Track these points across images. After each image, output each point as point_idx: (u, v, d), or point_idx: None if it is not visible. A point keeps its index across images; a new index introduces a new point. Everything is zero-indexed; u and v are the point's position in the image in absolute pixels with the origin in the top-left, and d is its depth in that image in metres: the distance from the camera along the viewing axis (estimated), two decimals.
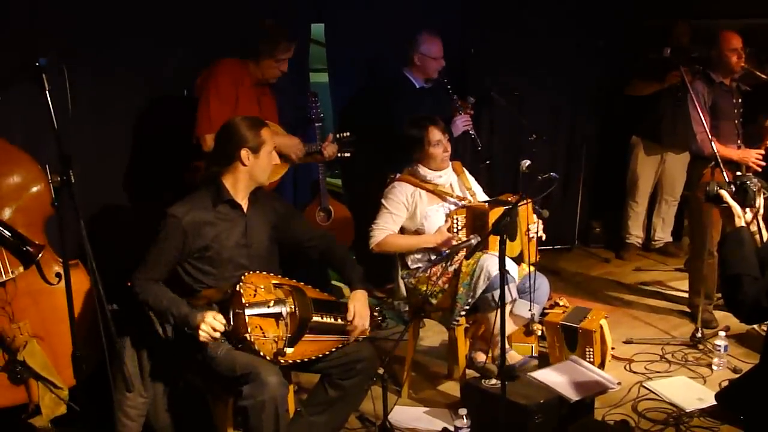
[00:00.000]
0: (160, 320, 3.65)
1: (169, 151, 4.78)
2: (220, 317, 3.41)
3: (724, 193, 3.35)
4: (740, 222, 3.31)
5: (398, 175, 4.68)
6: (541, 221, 4.60)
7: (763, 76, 5.70)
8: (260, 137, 3.68)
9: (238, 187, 3.70)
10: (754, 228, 3.40)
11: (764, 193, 3.37)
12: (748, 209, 3.35)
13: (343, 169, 6.45)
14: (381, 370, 3.86)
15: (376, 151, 5.39)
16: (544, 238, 4.67)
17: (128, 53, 4.69)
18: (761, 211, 3.39)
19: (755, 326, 5.29)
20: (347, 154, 5.19)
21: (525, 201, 4.22)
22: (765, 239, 3.41)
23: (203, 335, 3.37)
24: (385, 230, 4.53)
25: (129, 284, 3.56)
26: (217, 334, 3.39)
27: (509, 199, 4.47)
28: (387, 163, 5.03)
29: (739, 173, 3.49)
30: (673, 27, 6.83)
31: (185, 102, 4.80)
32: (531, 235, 4.56)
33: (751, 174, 3.44)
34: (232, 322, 3.43)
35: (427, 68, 5.62)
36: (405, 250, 4.58)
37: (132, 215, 4.75)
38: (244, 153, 3.63)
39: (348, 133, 5.14)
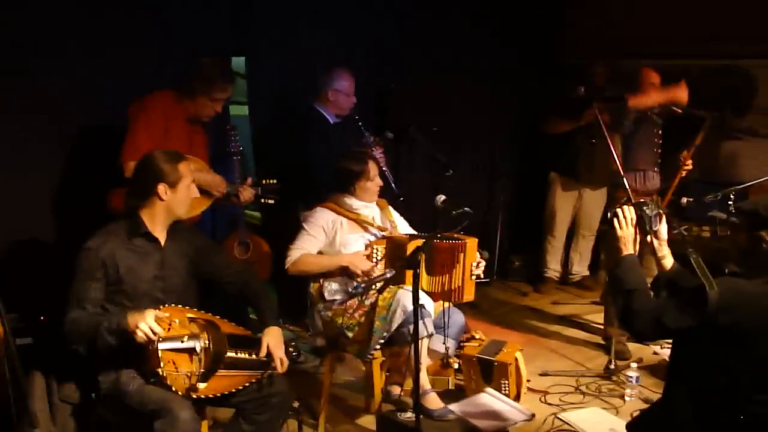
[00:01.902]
0: (96, 348, 3.48)
1: (90, 180, 4.75)
2: (156, 327, 3.36)
3: (614, 221, 3.46)
4: (626, 251, 3.41)
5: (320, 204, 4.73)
6: (483, 261, 4.67)
7: (679, 111, 5.87)
8: (178, 171, 3.66)
9: (156, 220, 3.68)
10: (662, 253, 3.51)
11: (662, 217, 3.47)
12: (651, 235, 3.46)
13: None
14: (296, 404, 3.85)
15: (294, 183, 5.40)
16: (482, 277, 4.73)
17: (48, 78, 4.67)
18: (664, 235, 3.50)
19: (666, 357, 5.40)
20: (271, 201, 5.18)
21: (453, 236, 4.28)
22: (671, 263, 3.52)
23: (140, 335, 3.32)
24: (301, 250, 4.55)
25: (43, 319, 3.50)
26: (155, 336, 3.33)
27: (455, 235, 4.52)
28: (302, 196, 5.06)
29: (641, 201, 3.58)
30: (590, 67, 7.02)
31: (106, 131, 4.78)
32: (474, 274, 4.62)
33: (649, 200, 3.55)
34: (148, 360, 3.39)
35: (340, 104, 5.65)
36: (320, 269, 4.58)
37: (49, 246, 4.67)
38: (162, 188, 3.62)
39: (275, 181, 5.14)
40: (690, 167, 5.79)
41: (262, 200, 5.15)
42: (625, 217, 3.45)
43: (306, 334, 5.80)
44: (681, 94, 5.68)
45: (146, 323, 3.32)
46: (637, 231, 3.45)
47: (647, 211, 3.44)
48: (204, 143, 4.91)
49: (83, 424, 4.00)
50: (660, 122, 5.91)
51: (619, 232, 3.44)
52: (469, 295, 4.62)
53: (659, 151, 5.88)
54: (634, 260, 3.40)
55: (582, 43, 7.56)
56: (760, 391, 3.13)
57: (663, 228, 3.48)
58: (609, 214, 3.51)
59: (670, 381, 3.41)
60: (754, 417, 3.14)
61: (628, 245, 3.43)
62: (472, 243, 4.54)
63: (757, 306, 3.10)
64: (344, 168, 4.71)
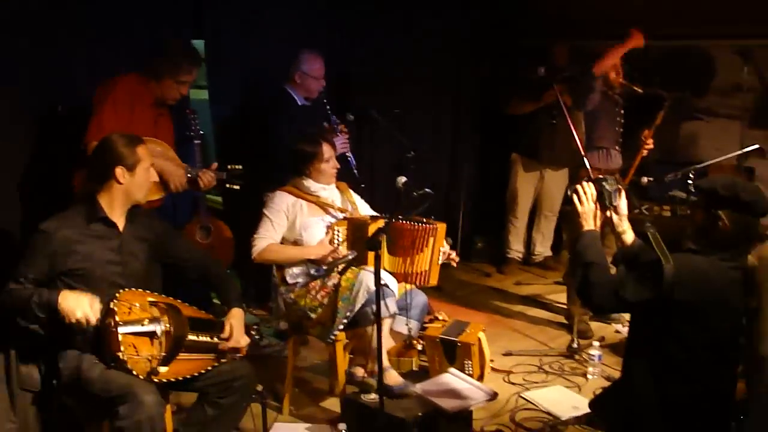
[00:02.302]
0: (25, 321, 3.45)
1: (55, 162, 4.70)
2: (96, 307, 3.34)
3: (574, 196, 3.49)
4: (586, 226, 3.44)
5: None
6: (453, 251, 4.70)
7: (639, 90, 5.91)
8: (136, 154, 3.62)
9: (114, 205, 3.64)
10: (622, 228, 3.54)
11: (621, 192, 3.51)
12: (611, 210, 3.49)
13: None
14: (260, 388, 3.84)
15: (256, 167, 5.37)
16: (456, 264, 4.78)
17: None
18: (624, 210, 3.53)
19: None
20: (236, 187, 5.15)
21: (424, 220, 4.29)
22: (631, 239, 3.55)
23: (81, 318, 3.30)
24: (266, 239, 4.53)
25: None
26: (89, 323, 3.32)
27: (424, 219, 4.53)
28: (265, 181, 5.03)
29: (600, 176, 3.61)
30: (551, 47, 7.04)
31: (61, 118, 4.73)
32: (441, 259, 4.64)
33: (609, 176, 3.58)
34: (108, 344, 3.36)
35: (308, 87, 5.66)
36: (286, 260, 4.56)
37: (14, 228, 4.62)
38: (119, 171, 3.58)
39: (240, 166, 5.10)
40: (651, 146, 5.83)
41: (227, 185, 5.11)
42: (585, 193, 3.47)
43: (269, 317, 5.79)
44: (637, 41, 5.71)
45: (83, 311, 3.30)
46: (598, 206, 3.47)
47: (607, 187, 3.48)
48: (169, 127, 4.87)
49: (45, 411, 3.95)
50: (621, 101, 5.94)
51: (579, 207, 3.47)
52: (434, 280, 4.65)
53: (621, 129, 5.92)
54: (595, 235, 3.43)
55: (543, 23, 7.58)
56: (716, 366, 3.18)
57: (623, 203, 3.52)
58: (569, 191, 3.54)
59: (628, 356, 3.45)
60: (713, 391, 3.19)
61: (589, 220, 3.46)
62: (442, 228, 4.57)
63: (711, 283, 3.15)
64: (298, 150, 4.68)
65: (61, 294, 3.35)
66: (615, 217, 3.54)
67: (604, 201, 3.48)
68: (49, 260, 3.48)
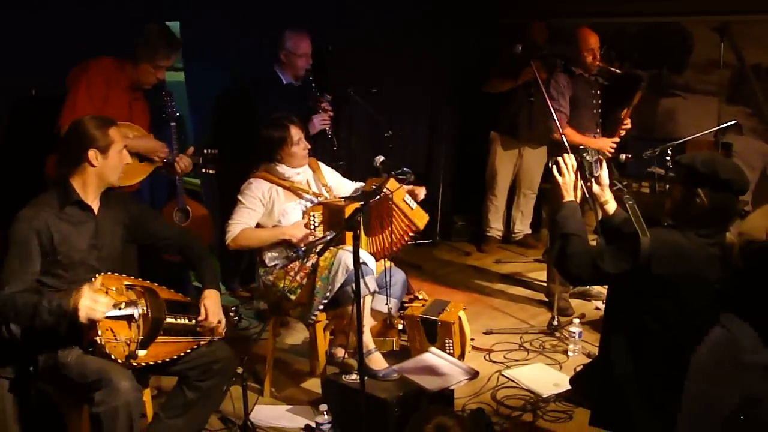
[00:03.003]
0: (33, 327, 3.38)
1: (28, 146, 4.67)
2: (101, 299, 3.28)
3: (554, 168, 3.50)
4: (567, 197, 3.45)
5: (254, 173, 4.66)
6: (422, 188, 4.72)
7: (617, 71, 5.92)
8: (108, 136, 3.57)
9: (88, 188, 3.59)
10: (604, 198, 3.55)
11: (602, 162, 3.51)
12: (593, 181, 3.50)
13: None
14: (240, 370, 3.83)
15: (237, 149, 5.34)
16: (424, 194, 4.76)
17: None
18: (606, 181, 3.54)
19: None
20: (212, 171, 5.11)
21: (384, 185, 4.26)
22: (614, 208, 3.56)
23: (84, 317, 3.22)
24: (241, 224, 4.49)
25: None
26: (103, 309, 3.26)
27: (373, 185, 4.49)
28: (249, 161, 5.00)
29: (581, 147, 3.61)
30: (529, 26, 7.02)
31: (35, 101, 4.67)
32: (412, 205, 4.65)
33: (589, 147, 3.57)
34: (86, 329, 3.32)
35: (294, 65, 5.65)
36: (261, 243, 4.54)
37: None
38: (92, 153, 3.53)
39: (216, 151, 5.06)
40: (628, 126, 5.84)
41: (203, 170, 5.08)
42: (565, 164, 3.47)
43: (251, 298, 5.78)
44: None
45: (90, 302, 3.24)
46: (578, 177, 3.48)
47: (587, 158, 3.49)
48: (145, 112, 4.84)
49: (22, 398, 3.92)
50: (598, 83, 5.92)
51: (560, 179, 3.47)
52: (420, 221, 4.66)
53: (599, 111, 5.90)
54: (575, 206, 3.44)
55: (521, 2, 7.57)
56: (693, 341, 3.18)
57: (604, 173, 3.53)
58: (550, 163, 3.53)
59: (606, 331, 3.46)
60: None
61: (569, 191, 3.46)
62: (391, 184, 4.46)
63: (688, 258, 3.15)
64: (266, 137, 4.64)
65: (70, 297, 3.26)
66: (596, 188, 3.55)
67: (584, 172, 3.48)
68: (38, 249, 3.43)
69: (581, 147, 3.60)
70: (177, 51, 4.79)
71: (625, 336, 3.28)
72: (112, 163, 3.59)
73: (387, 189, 4.43)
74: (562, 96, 5.65)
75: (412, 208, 4.63)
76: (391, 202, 4.51)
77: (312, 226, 4.51)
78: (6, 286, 3.37)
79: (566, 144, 5.09)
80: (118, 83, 4.59)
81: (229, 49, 6.01)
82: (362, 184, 4.88)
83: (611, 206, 3.56)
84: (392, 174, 4.26)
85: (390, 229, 4.56)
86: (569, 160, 3.49)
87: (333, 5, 6.65)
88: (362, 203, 3.82)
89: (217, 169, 5.12)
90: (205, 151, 5.04)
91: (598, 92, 5.89)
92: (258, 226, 4.57)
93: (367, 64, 6.84)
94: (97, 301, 3.25)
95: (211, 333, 3.69)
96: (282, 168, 4.63)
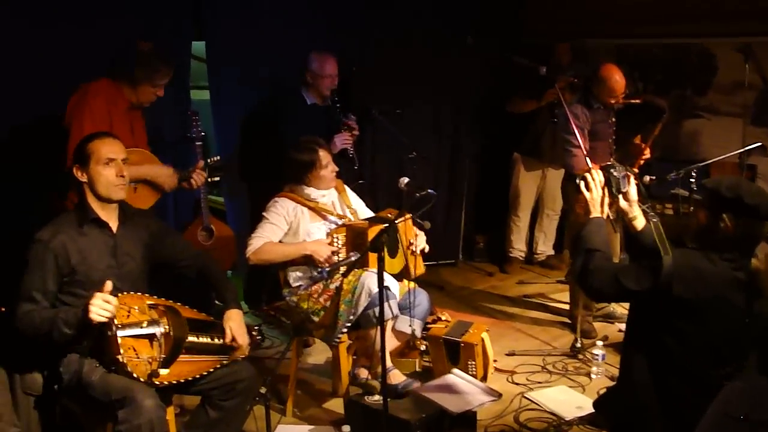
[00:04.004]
0: (51, 341, 3.41)
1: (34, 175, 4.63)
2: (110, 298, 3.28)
3: (581, 185, 3.49)
4: (594, 212, 3.44)
5: (280, 193, 4.68)
6: (422, 234, 4.67)
7: (638, 101, 5.84)
8: (86, 150, 3.59)
9: (96, 205, 3.62)
10: (633, 214, 3.52)
11: (630, 178, 3.50)
12: (621, 196, 3.49)
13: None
14: (263, 390, 3.83)
15: (261, 168, 5.37)
16: (427, 250, 4.74)
17: None
18: (634, 196, 3.52)
19: None
20: (217, 179, 5.13)
21: (402, 217, 4.27)
22: (643, 224, 3.53)
23: (95, 314, 3.23)
24: (263, 238, 4.50)
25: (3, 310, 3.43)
26: (111, 307, 3.26)
27: (389, 215, 4.52)
28: (273, 180, 5.03)
29: (608, 163, 3.60)
30: (553, 46, 7.02)
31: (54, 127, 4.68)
32: (414, 249, 4.62)
33: (617, 163, 3.56)
34: (108, 348, 3.34)
35: (319, 86, 5.67)
36: (283, 258, 4.55)
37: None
38: (75, 170, 3.59)
39: (218, 158, 5.08)
40: (648, 157, 5.79)
41: (209, 179, 5.07)
42: (593, 179, 3.46)
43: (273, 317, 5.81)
44: None
45: (98, 302, 3.24)
46: (606, 193, 3.47)
47: (614, 173, 3.47)
48: (143, 128, 4.78)
49: (47, 415, 3.94)
50: (614, 111, 5.84)
51: (587, 194, 3.46)
52: (419, 269, 4.69)
53: (613, 139, 5.84)
54: (600, 222, 3.42)
55: (545, 22, 7.58)
56: (714, 366, 3.16)
57: (632, 189, 3.51)
58: (577, 179, 3.52)
59: (626, 352, 3.43)
60: (713, 389, 3.17)
61: (596, 207, 3.45)
62: (405, 225, 4.54)
63: (711, 282, 3.13)
64: (294, 160, 4.65)
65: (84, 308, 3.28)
66: (624, 203, 3.52)
67: (611, 187, 3.47)
68: (55, 269, 3.47)
69: (609, 163, 3.58)
70: (173, 67, 4.73)
71: (645, 356, 3.26)
72: (94, 175, 3.58)
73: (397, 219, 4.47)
74: (579, 130, 5.55)
75: (411, 253, 4.65)
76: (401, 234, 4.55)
77: (336, 247, 4.52)
78: (22, 306, 3.41)
79: (590, 166, 5.06)
80: (117, 106, 4.51)
81: (253, 69, 6.05)
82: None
83: (639, 222, 3.52)
84: (413, 215, 4.27)
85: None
86: (597, 176, 3.48)
87: (358, 27, 6.67)
88: (387, 224, 3.82)
89: (221, 176, 5.12)
90: (209, 160, 5.04)
91: (613, 120, 5.82)
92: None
93: (390, 84, 6.84)
94: (108, 302, 3.25)
95: (234, 352, 3.69)
96: (308, 189, 4.65)
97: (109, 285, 3.32)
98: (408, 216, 4.40)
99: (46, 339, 3.40)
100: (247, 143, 5.94)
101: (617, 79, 5.57)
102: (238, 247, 5.44)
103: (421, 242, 4.71)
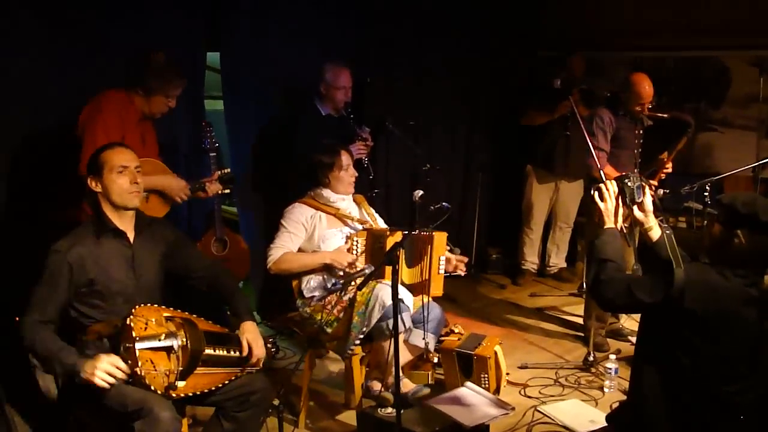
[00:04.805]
0: (44, 367, 3.49)
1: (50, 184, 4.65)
2: (121, 364, 3.28)
3: (595, 194, 3.49)
4: (608, 223, 3.44)
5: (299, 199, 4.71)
6: (465, 259, 4.72)
7: (665, 115, 5.81)
8: (99, 160, 3.61)
9: (113, 215, 3.63)
10: (648, 224, 3.51)
11: (645, 188, 3.49)
12: (636, 207, 3.48)
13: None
14: (276, 401, 3.84)
15: (275, 179, 5.38)
16: (463, 274, 4.79)
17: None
18: (650, 207, 3.51)
19: None
20: (227, 191, 5.14)
21: (422, 230, 4.28)
22: (658, 235, 3.51)
23: (99, 381, 3.24)
24: (282, 248, 4.53)
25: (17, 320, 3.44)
26: (114, 380, 3.27)
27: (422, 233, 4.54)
28: (285, 190, 5.03)
29: (623, 174, 3.59)
30: (568, 59, 7.03)
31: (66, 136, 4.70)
32: (441, 270, 4.63)
33: (632, 174, 3.55)
34: (125, 360, 3.33)
35: (333, 98, 5.68)
36: (303, 267, 4.57)
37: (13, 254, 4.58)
38: (90, 181, 3.60)
39: (228, 170, 5.10)
40: (669, 170, 5.77)
41: (219, 191, 5.07)
42: (607, 189, 3.46)
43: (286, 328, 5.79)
44: None
45: (106, 366, 3.25)
46: (620, 204, 3.46)
47: (629, 184, 3.46)
48: (155, 138, 4.79)
49: (61, 426, 3.95)
50: (644, 123, 5.82)
51: (601, 205, 3.46)
52: (437, 290, 4.63)
53: (640, 151, 5.83)
54: (615, 233, 3.42)
55: (559, 35, 7.59)
56: (725, 382, 3.15)
57: (647, 200, 3.50)
58: (592, 189, 3.52)
59: (637, 365, 3.41)
60: (724, 405, 3.16)
61: (611, 218, 3.45)
62: (439, 237, 4.55)
63: (723, 297, 3.11)
64: (316, 160, 4.72)
65: (84, 363, 3.28)
66: (639, 214, 3.51)
67: (626, 198, 3.47)
68: (67, 282, 3.48)
69: (624, 174, 3.57)
70: (186, 78, 4.76)
71: (656, 371, 3.25)
72: (108, 184, 3.59)
73: (432, 233, 4.49)
74: (602, 132, 5.52)
75: (439, 272, 4.64)
76: (429, 246, 4.53)
77: (355, 252, 4.54)
78: (30, 313, 3.42)
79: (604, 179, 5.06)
80: (129, 117, 4.53)
81: (268, 80, 6.06)
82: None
83: (655, 233, 3.50)
84: (431, 207, 4.28)
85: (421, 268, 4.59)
86: (611, 187, 3.47)
87: (372, 38, 6.69)
88: (405, 233, 3.84)
89: (232, 188, 5.14)
90: (220, 171, 5.05)
91: (641, 132, 5.80)
92: (299, 251, 4.61)
93: (405, 96, 6.86)
94: (119, 369, 3.26)
95: (249, 364, 3.69)
96: (327, 192, 4.69)
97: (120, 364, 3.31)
98: (444, 234, 4.47)
99: (42, 364, 3.44)
100: (261, 153, 5.95)
101: (646, 86, 5.56)
102: (252, 257, 5.46)
103: (460, 265, 4.73)
